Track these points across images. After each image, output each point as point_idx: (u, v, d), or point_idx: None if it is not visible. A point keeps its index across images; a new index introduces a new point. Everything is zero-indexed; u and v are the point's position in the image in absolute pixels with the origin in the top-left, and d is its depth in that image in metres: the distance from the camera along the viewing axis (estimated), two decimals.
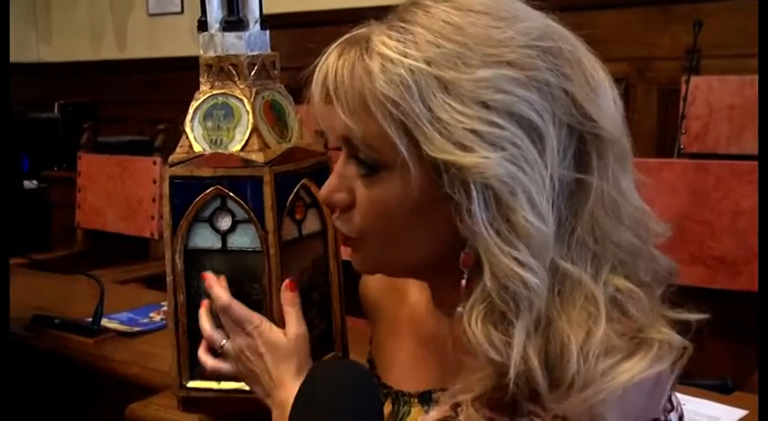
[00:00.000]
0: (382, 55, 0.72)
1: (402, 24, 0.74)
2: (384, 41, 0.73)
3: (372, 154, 0.75)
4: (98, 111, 4.18)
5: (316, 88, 0.77)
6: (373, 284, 1.04)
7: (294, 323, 0.92)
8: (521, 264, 0.70)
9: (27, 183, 3.84)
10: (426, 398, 0.88)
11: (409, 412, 0.90)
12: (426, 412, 0.87)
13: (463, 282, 0.74)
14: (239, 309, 0.93)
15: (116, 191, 3.01)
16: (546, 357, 0.70)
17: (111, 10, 4.92)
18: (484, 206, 0.70)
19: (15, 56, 4.97)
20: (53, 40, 5.24)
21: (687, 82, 2.94)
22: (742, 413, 1.37)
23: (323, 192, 0.81)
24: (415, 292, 0.96)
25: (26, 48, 5.16)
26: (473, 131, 0.70)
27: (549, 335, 0.71)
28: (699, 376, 1.99)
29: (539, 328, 0.71)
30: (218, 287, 0.94)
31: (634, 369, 0.70)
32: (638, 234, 0.77)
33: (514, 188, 0.70)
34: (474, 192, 0.70)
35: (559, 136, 0.72)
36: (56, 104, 4.16)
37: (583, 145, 0.74)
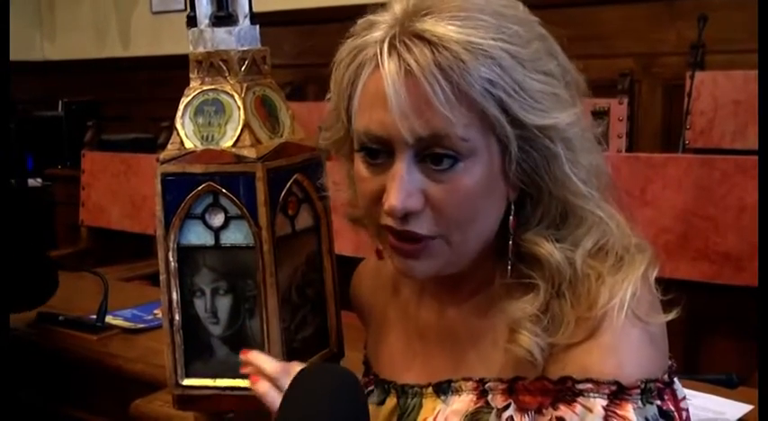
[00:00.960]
0: (463, 41, 0.75)
1: (455, 13, 0.77)
2: (455, 30, 0.76)
3: (462, 143, 0.77)
4: (102, 109, 4.19)
5: (395, 96, 0.75)
6: (364, 285, 1.05)
7: None
8: (591, 195, 0.82)
9: (31, 181, 3.85)
10: (444, 389, 0.87)
11: (420, 404, 0.89)
12: (444, 402, 0.87)
13: (511, 218, 0.83)
14: None
15: (120, 188, 3.01)
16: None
17: (115, 8, 4.92)
18: (566, 156, 0.80)
19: (20, 54, 5.01)
20: (57, 37, 5.25)
21: (692, 77, 2.93)
22: (747, 408, 1.37)
23: (394, 203, 0.77)
24: (406, 289, 0.96)
25: (30, 46, 5.18)
26: (552, 95, 0.79)
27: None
28: (705, 370, 1.99)
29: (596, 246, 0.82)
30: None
31: (635, 271, 0.81)
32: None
33: (579, 137, 0.81)
34: (559, 147, 0.79)
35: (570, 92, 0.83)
36: (60, 102, 4.16)
37: (574, 97, 0.84)
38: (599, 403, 0.76)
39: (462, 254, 0.82)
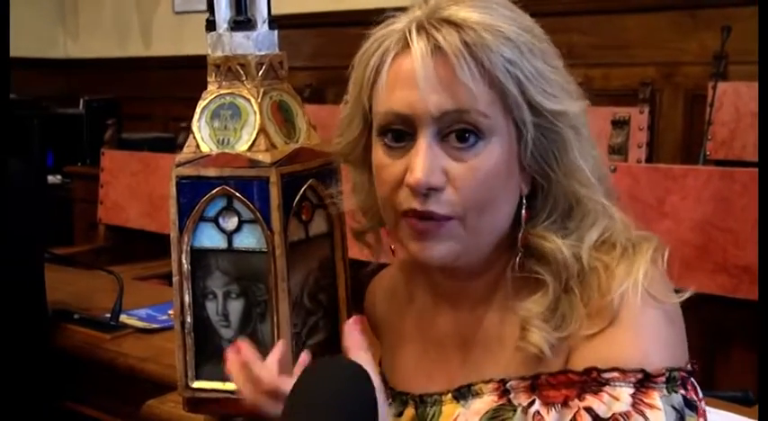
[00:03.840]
0: (485, 24, 0.81)
1: (476, 3, 0.83)
2: (478, 15, 0.81)
3: (484, 120, 0.80)
4: (122, 108, 4.21)
5: (425, 71, 0.80)
6: (378, 299, 1.05)
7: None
8: (598, 184, 0.85)
9: (51, 178, 3.87)
10: (464, 393, 0.88)
11: (440, 412, 0.90)
12: (464, 406, 0.88)
13: (524, 212, 0.86)
14: None
15: (138, 187, 3.02)
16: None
17: (138, 7, 4.95)
18: (575, 144, 0.83)
19: (43, 52, 5.06)
20: (80, 36, 5.29)
21: (714, 87, 2.90)
22: None
23: (418, 175, 0.80)
24: (420, 298, 0.97)
25: (53, 44, 5.22)
26: (563, 86, 0.84)
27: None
28: (722, 385, 1.97)
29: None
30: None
31: (643, 256, 0.83)
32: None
33: (587, 129, 0.86)
34: (570, 134, 0.83)
35: None
36: (81, 100, 4.19)
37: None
38: (626, 391, 0.77)
39: (478, 240, 0.84)
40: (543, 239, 0.84)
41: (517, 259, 0.86)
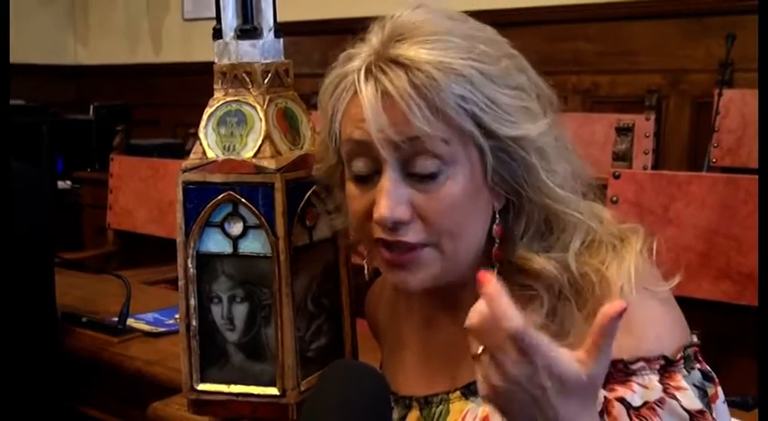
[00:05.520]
0: (435, 62, 0.80)
1: (426, 37, 0.81)
2: (426, 52, 0.80)
3: (441, 155, 0.81)
4: (132, 114, 4.23)
5: (374, 115, 0.80)
6: (378, 304, 1.07)
7: (597, 362, 0.68)
8: (570, 198, 0.85)
9: (60, 184, 3.90)
10: (473, 390, 0.88)
11: (447, 410, 0.91)
12: (474, 402, 0.89)
13: (495, 227, 0.86)
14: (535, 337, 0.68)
15: (147, 193, 3.04)
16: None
17: (148, 14, 4.98)
18: (540, 164, 0.83)
19: (53, 58, 5.09)
20: (90, 42, 5.32)
21: (720, 95, 2.90)
22: None
23: (383, 212, 0.81)
24: (417, 309, 0.98)
25: (64, 50, 5.25)
26: (523, 108, 0.83)
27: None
28: (725, 390, 1.96)
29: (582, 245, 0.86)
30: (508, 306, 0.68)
31: (633, 250, 0.85)
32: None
33: (552, 145, 0.85)
34: (533, 157, 0.83)
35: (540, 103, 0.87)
36: (91, 106, 4.21)
37: (546, 108, 0.88)
38: (654, 379, 0.79)
39: (455, 262, 0.85)
40: (528, 260, 0.85)
41: (495, 271, 0.86)
